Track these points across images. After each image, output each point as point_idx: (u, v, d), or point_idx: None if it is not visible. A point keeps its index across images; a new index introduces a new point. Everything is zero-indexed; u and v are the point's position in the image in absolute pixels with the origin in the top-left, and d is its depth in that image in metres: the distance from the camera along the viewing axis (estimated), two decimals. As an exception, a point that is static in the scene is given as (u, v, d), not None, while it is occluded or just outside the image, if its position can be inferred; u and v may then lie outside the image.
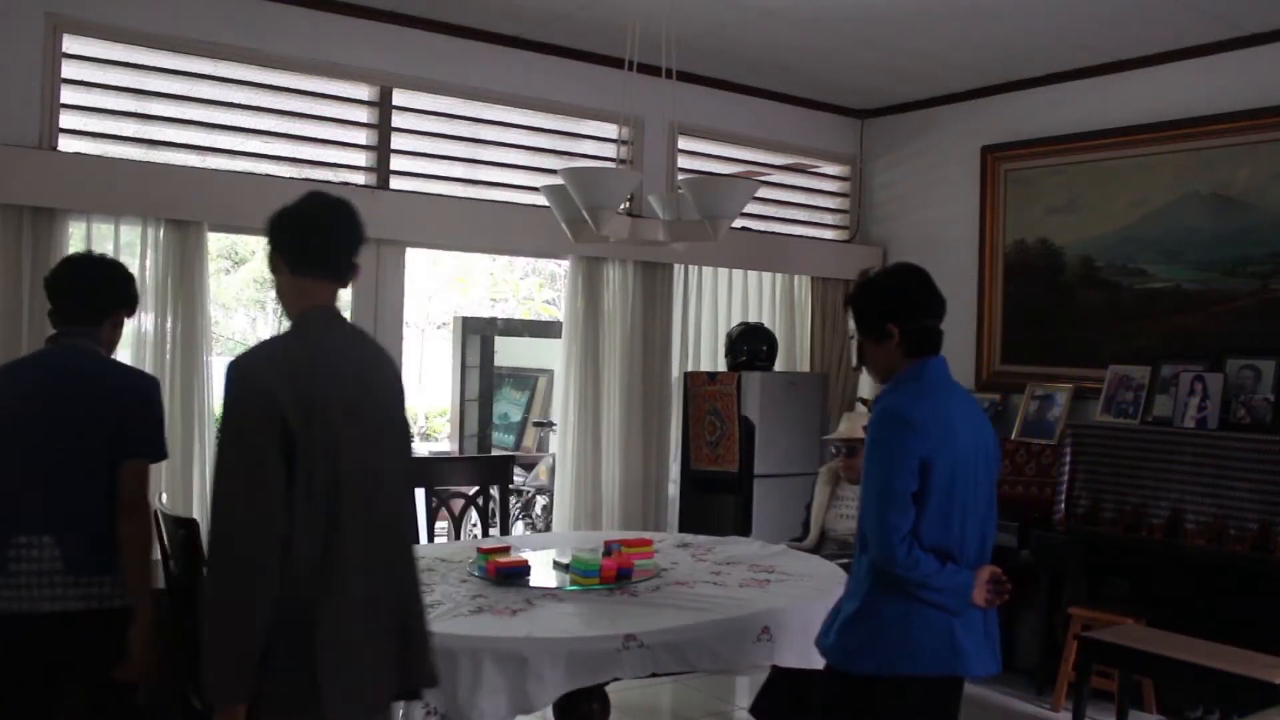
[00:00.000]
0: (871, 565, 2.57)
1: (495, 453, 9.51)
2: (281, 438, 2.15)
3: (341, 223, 2.38)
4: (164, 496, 3.34)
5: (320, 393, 2.21)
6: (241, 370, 2.22)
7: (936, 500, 2.53)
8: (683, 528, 5.60)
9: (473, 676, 2.72)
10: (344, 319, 2.43)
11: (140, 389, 2.81)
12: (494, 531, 4.73)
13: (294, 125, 4.77)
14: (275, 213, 2.38)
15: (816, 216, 6.57)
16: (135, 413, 2.75)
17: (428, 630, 2.46)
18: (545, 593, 3.30)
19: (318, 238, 2.35)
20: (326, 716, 2.18)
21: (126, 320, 2.98)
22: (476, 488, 4.68)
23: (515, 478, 8.55)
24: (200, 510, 4.41)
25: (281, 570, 2.14)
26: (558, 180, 3.77)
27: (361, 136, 4.95)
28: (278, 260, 2.37)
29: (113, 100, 4.37)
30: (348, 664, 2.20)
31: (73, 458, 2.69)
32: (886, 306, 2.68)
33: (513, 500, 8.40)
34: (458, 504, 4.90)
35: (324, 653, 2.17)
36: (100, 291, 2.87)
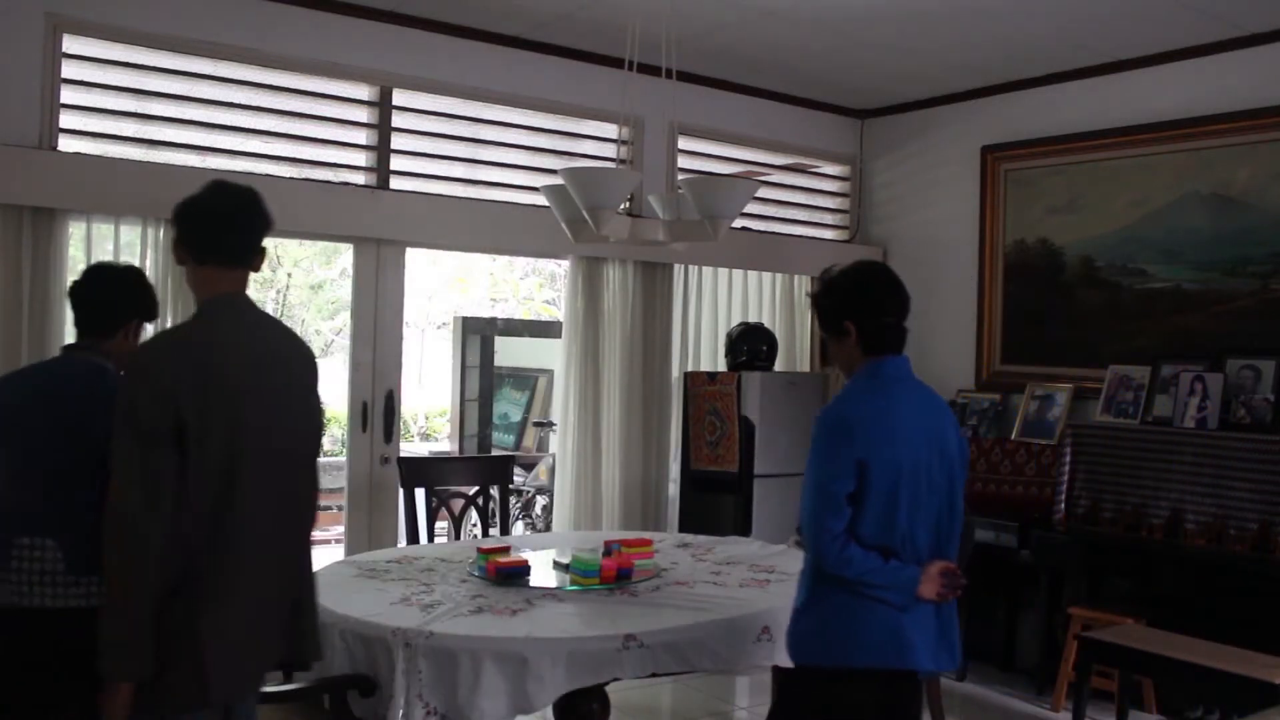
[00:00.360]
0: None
1: (495, 453, 9.51)
2: (173, 421, 2.22)
3: (241, 211, 2.44)
4: None
5: (217, 377, 2.28)
6: (134, 357, 2.38)
7: (877, 499, 2.56)
8: (683, 528, 5.60)
9: (473, 676, 2.72)
10: (251, 306, 2.48)
11: None
12: (494, 531, 4.74)
13: (294, 125, 4.76)
14: (178, 203, 2.43)
15: (816, 216, 6.58)
16: None
17: (316, 608, 2.59)
18: (545, 593, 3.30)
19: (218, 227, 2.41)
20: (209, 700, 2.26)
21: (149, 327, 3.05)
22: (476, 488, 4.68)
23: (515, 478, 8.55)
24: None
25: (169, 550, 2.22)
26: (558, 180, 3.77)
27: (361, 136, 4.95)
28: (182, 250, 2.44)
29: (113, 100, 4.37)
30: (233, 648, 2.29)
31: (71, 464, 2.73)
32: (844, 304, 2.71)
33: (513, 500, 8.40)
34: (458, 504, 4.90)
35: (210, 637, 2.25)
36: (113, 301, 2.91)
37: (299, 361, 2.51)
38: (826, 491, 2.56)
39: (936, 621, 2.66)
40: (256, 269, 2.48)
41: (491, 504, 4.65)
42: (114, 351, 2.89)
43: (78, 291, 2.93)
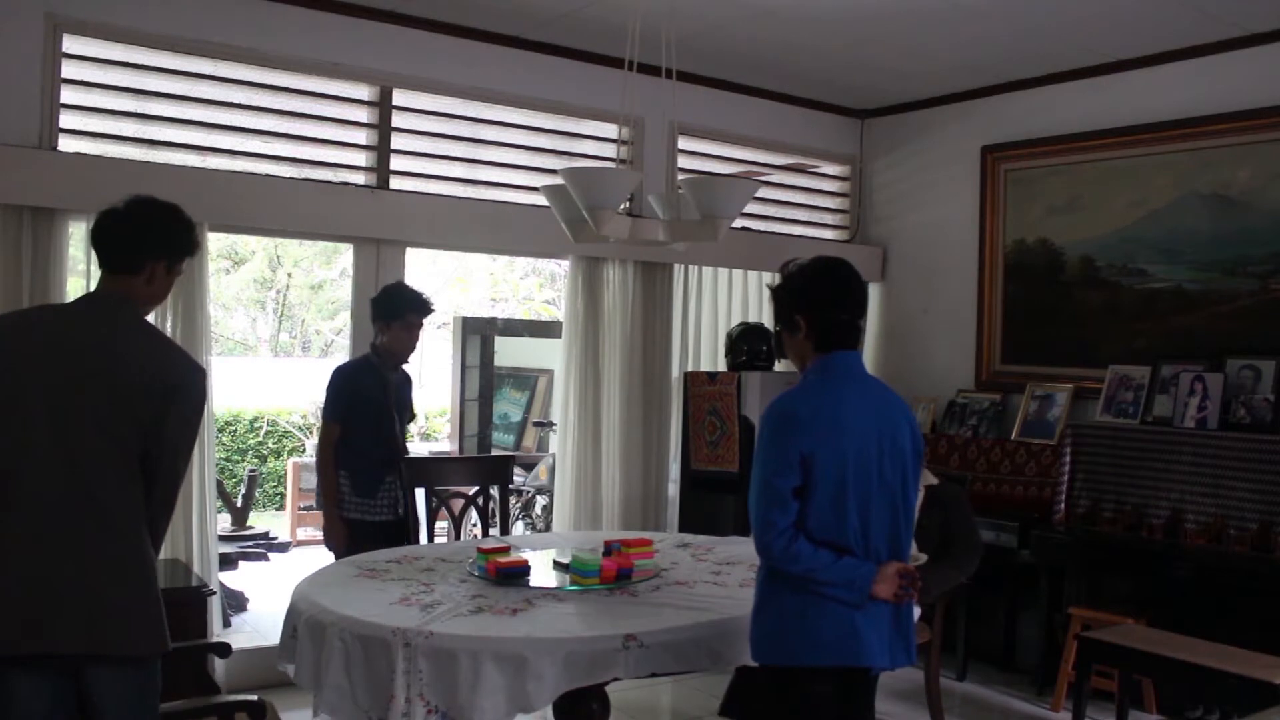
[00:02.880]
0: None
1: (495, 452, 9.51)
2: None
3: (117, 222, 2.68)
4: None
5: (7, 349, 2.53)
6: None
7: (824, 494, 2.57)
8: (683, 528, 5.60)
9: (473, 676, 2.72)
10: (105, 302, 2.63)
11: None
12: (494, 531, 4.73)
13: (294, 125, 4.77)
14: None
15: (816, 216, 6.58)
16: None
17: (123, 601, 2.48)
18: (545, 593, 3.30)
19: (97, 236, 2.70)
20: None
21: (420, 327, 4.50)
22: (476, 488, 4.67)
23: (515, 477, 8.54)
24: (199, 506, 4.41)
25: None
26: (558, 180, 3.76)
27: (361, 136, 4.95)
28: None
29: (113, 100, 4.37)
30: None
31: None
32: (796, 299, 2.73)
33: (513, 500, 8.39)
34: (458, 504, 4.89)
35: None
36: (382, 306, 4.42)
37: (118, 360, 2.54)
38: (770, 486, 2.57)
39: (893, 619, 2.67)
40: (123, 273, 2.65)
41: (491, 504, 4.65)
42: (382, 350, 4.46)
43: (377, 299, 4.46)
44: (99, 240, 2.69)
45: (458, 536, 5.22)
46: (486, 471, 4.76)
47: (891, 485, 2.66)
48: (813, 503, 2.57)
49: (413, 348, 4.53)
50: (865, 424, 2.63)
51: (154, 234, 2.69)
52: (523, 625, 2.92)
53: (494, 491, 4.66)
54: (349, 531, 4.31)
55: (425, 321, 4.53)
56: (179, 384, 2.57)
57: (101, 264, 2.68)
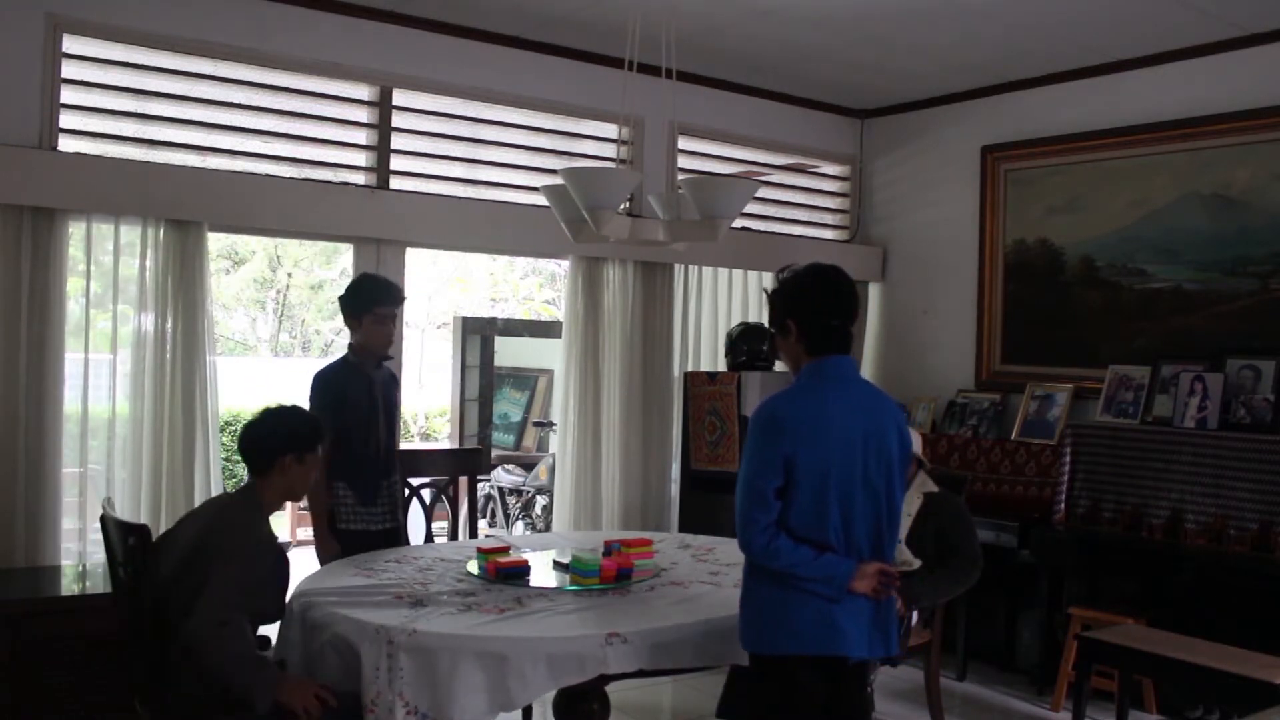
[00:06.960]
0: None
1: (496, 453, 9.52)
2: None
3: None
4: (113, 501, 3.15)
5: None
6: None
7: (805, 494, 2.65)
8: (683, 528, 5.59)
9: (452, 674, 2.74)
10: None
11: None
12: (462, 520, 4.64)
13: (294, 125, 4.77)
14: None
15: (816, 216, 6.58)
16: None
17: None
18: (538, 593, 3.30)
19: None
20: None
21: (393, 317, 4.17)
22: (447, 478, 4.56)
23: (515, 477, 8.55)
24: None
25: None
26: (558, 180, 3.76)
27: (361, 136, 4.95)
28: None
29: (113, 100, 4.37)
30: None
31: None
32: (787, 304, 2.81)
33: (512, 500, 8.40)
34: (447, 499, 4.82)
35: None
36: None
37: None
38: (753, 485, 2.66)
39: (873, 612, 2.73)
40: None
41: (490, 500, 4.62)
42: (358, 348, 4.07)
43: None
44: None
45: (428, 532, 5.14)
46: (457, 463, 4.64)
47: (876, 486, 2.72)
48: (795, 502, 2.65)
49: (389, 341, 4.16)
50: (850, 427, 2.69)
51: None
52: (507, 624, 2.94)
53: (477, 485, 4.58)
54: (340, 549, 3.89)
55: (397, 311, 4.20)
56: None
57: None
